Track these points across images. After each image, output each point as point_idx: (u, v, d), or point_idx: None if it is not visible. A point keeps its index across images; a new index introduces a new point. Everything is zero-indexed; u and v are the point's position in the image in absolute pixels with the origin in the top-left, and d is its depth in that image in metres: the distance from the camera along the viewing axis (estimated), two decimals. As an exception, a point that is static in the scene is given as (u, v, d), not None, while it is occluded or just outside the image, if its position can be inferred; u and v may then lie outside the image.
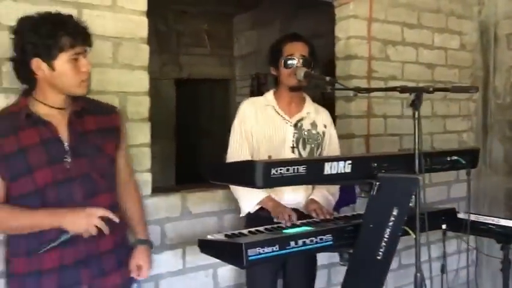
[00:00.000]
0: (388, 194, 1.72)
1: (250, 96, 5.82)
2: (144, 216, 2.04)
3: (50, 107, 1.68)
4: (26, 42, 1.61)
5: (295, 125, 2.33)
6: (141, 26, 2.30)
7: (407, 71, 3.34)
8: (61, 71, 1.62)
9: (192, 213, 2.52)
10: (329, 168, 1.64)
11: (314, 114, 2.38)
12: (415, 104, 1.71)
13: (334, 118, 3.14)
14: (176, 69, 7.11)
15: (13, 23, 1.93)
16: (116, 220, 1.67)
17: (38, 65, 1.61)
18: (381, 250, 1.76)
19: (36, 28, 1.59)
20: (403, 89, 1.77)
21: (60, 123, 1.69)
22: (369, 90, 2.14)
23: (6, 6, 1.97)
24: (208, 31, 7.23)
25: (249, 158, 2.27)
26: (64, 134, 1.69)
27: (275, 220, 2.13)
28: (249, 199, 2.25)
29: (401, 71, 3.32)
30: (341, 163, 1.67)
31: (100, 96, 2.15)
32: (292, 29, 5.93)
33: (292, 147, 2.31)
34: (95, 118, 1.78)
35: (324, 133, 2.39)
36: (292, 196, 2.29)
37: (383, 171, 1.75)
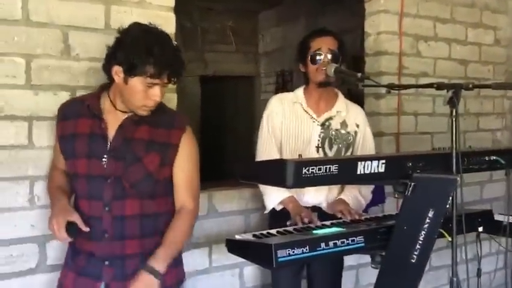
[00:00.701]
0: (424, 195, 1.65)
1: (275, 93, 5.78)
2: (173, 247, 1.74)
3: (114, 107, 1.73)
4: (119, 48, 1.64)
5: (323, 124, 2.27)
6: (169, 22, 2.27)
7: (439, 68, 3.24)
8: (132, 89, 1.65)
9: (218, 211, 2.49)
10: (362, 168, 1.58)
11: (345, 113, 2.31)
12: (453, 102, 1.63)
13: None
14: (201, 66, 7.10)
15: (42, 19, 1.97)
16: (85, 229, 1.66)
17: (117, 72, 1.65)
18: (416, 253, 1.70)
19: (134, 43, 1.62)
20: (440, 86, 1.69)
21: (114, 123, 1.73)
22: (402, 87, 2.06)
23: (36, 3, 1.96)
24: (233, 28, 7.21)
25: (277, 156, 2.23)
26: (112, 133, 1.72)
27: (288, 223, 2.07)
28: (274, 197, 2.21)
29: (433, 67, 3.22)
30: (375, 162, 1.61)
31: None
32: (318, 25, 5.87)
33: (317, 147, 2.25)
34: (150, 129, 1.74)
35: (356, 133, 2.31)
36: (314, 196, 2.25)
37: (418, 171, 1.68)
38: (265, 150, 2.24)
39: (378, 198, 2.93)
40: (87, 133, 1.72)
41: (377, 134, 3.02)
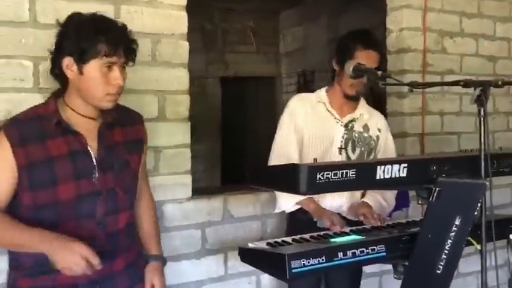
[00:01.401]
0: (450, 201, 1.53)
1: (297, 93, 5.68)
2: (158, 230, 1.89)
3: (81, 115, 1.58)
4: (65, 38, 1.52)
5: (346, 125, 2.18)
6: (181, 22, 2.21)
7: (465, 64, 3.09)
8: (89, 77, 1.50)
9: (234, 216, 2.41)
10: (382, 172, 1.47)
11: (367, 117, 2.23)
12: (481, 100, 1.50)
13: (385, 115, 2.95)
14: (222, 67, 7.06)
15: (51, 21, 1.92)
16: (97, 267, 1.45)
17: (69, 64, 1.51)
18: (442, 263, 1.58)
19: (78, 28, 1.50)
20: (466, 83, 1.57)
21: (90, 133, 1.58)
22: (426, 85, 1.93)
23: (43, 4, 1.92)
24: (253, 28, 7.14)
25: (296, 155, 2.14)
26: (92, 146, 1.58)
27: (318, 222, 2.01)
28: (289, 197, 2.10)
29: (459, 64, 3.07)
30: (396, 166, 1.49)
31: (137, 96, 2.10)
32: (341, 23, 5.76)
33: (340, 148, 2.16)
34: (122, 130, 1.67)
35: (378, 137, 2.23)
36: (334, 199, 2.14)
37: (444, 175, 1.55)
38: (284, 150, 2.14)
39: (401, 202, 2.80)
40: (66, 153, 1.52)
41: (400, 135, 2.89)
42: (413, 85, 1.71)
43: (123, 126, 1.68)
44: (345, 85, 2.13)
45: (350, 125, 2.19)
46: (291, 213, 2.19)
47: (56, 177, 1.51)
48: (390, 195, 2.23)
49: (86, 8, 1.95)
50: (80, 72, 1.51)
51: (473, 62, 3.13)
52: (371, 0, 4.67)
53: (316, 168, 1.38)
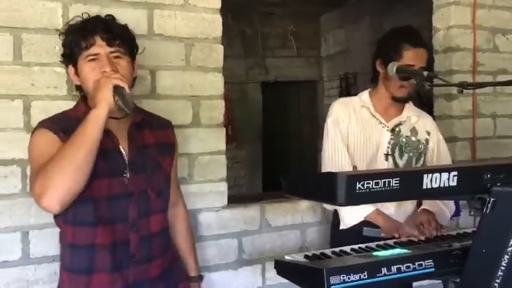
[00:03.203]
0: (506, 213, 1.38)
1: (339, 97, 5.52)
2: (194, 244, 1.87)
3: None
4: (64, 49, 1.58)
5: (393, 130, 2.06)
6: (215, 25, 2.15)
7: (519, 64, 2.88)
8: (82, 77, 1.53)
9: (272, 226, 2.32)
10: (429, 181, 1.34)
11: (415, 119, 2.10)
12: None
13: (433, 118, 2.79)
14: (262, 72, 7.01)
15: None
16: (127, 90, 1.44)
17: (71, 72, 1.56)
18: (497, 281, 1.43)
19: (65, 35, 1.57)
20: (524, 82, 1.42)
21: (120, 133, 1.57)
22: (477, 85, 1.78)
23: (76, 11, 1.90)
24: (294, 32, 7.07)
25: (349, 166, 2.03)
26: (124, 146, 1.57)
27: (364, 230, 1.94)
28: (353, 210, 1.99)
29: (513, 63, 2.87)
30: (444, 175, 1.36)
31: (171, 101, 2.07)
32: (384, 24, 5.58)
33: (387, 155, 2.04)
34: (152, 132, 1.65)
35: (427, 141, 2.10)
36: (381, 206, 2.01)
37: (499, 184, 1.41)
38: (334, 161, 2.03)
39: (452, 210, 2.63)
40: (100, 150, 1.46)
41: (449, 140, 2.72)
42: (463, 85, 1.58)
43: (153, 128, 1.66)
44: (394, 87, 2.01)
45: (397, 129, 2.07)
46: (337, 221, 2.08)
47: (95, 169, 1.44)
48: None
49: (119, 13, 1.95)
50: (77, 75, 1.54)
51: (528, 60, 2.92)
52: (415, 0, 4.50)
53: (355, 177, 1.27)
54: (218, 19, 2.15)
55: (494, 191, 1.39)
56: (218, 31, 2.16)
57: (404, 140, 2.06)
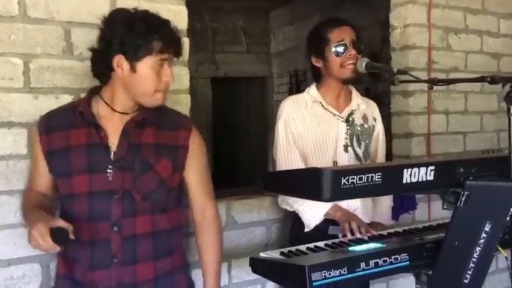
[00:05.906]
0: (479, 206, 1.42)
1: (289, 94, 5.56)
2: (218, 261, 1.73)
3: (112, 110, 1.53)
4: (115, 36, 1.48)
5: (347, 120, 2.08)
6: (181, 17, 2.08)
7: (470, 62, 3.00)
8: (142, 75, 1.48)
9: (238, 223, 2.28)
10: (409, 176, 1.36)
11: (364, 106, 2.14)
12: (511, 98, 1.41)
13: (388, 115, 2.86)
14: (212, 67, 6.94)
15: (42, 15, 1.78)
16: (71, 237, 1.33)
17: (120, 62, 1.48)
18: (469, 272, 1.48)
19: (130, 24, 1.48)
20: (494, 79, 1.47)
21: (115, 129, 1.52)
22: (449, 82, 1.82)
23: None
24: (244, 28, 7.04)
25: (301, 165, 2.01)
26: (114, 141, 1.52)
27: (330, 229, 1.94)
28: (316, 210, 1.99)
29: (464, 61, 2.98)
30: (422, 169, 1.38)
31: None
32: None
33: (346, 146, 2.05)
34: (155, 131, 1.58)
35: (373, 127, 2.15)
36: (348, 201, 2.02)
37: (471, 178, 1.45)
38: (287, 161, 2.02)
39: (408, 204, 2.71)
40: (83, 144, 1.50)
41: (406, 135, 2.80)
42: (433, 82, 1.61)
43: (160, 128, 1.59)
44: (337, 70, 2.02)
45: (351, 118, 2.09)
46: (296, 218, 2.07)
47: (71, 167, 1.48)
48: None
49: (80, 1, 1.86)
50: (133, 70, 1.47)
51: (478, 59, 3.04)
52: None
53: (340, 172, 1.26)
54: (184, 11, 2.08)
55: (467, 184, 1.42)
56: (184, 23, 2.09)
57: (359, 128, 2.09)
